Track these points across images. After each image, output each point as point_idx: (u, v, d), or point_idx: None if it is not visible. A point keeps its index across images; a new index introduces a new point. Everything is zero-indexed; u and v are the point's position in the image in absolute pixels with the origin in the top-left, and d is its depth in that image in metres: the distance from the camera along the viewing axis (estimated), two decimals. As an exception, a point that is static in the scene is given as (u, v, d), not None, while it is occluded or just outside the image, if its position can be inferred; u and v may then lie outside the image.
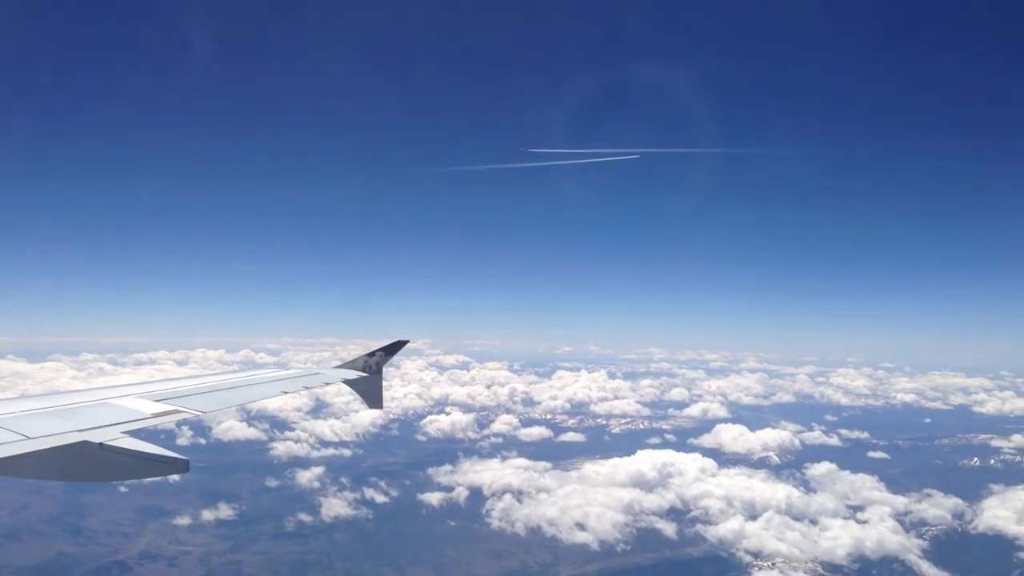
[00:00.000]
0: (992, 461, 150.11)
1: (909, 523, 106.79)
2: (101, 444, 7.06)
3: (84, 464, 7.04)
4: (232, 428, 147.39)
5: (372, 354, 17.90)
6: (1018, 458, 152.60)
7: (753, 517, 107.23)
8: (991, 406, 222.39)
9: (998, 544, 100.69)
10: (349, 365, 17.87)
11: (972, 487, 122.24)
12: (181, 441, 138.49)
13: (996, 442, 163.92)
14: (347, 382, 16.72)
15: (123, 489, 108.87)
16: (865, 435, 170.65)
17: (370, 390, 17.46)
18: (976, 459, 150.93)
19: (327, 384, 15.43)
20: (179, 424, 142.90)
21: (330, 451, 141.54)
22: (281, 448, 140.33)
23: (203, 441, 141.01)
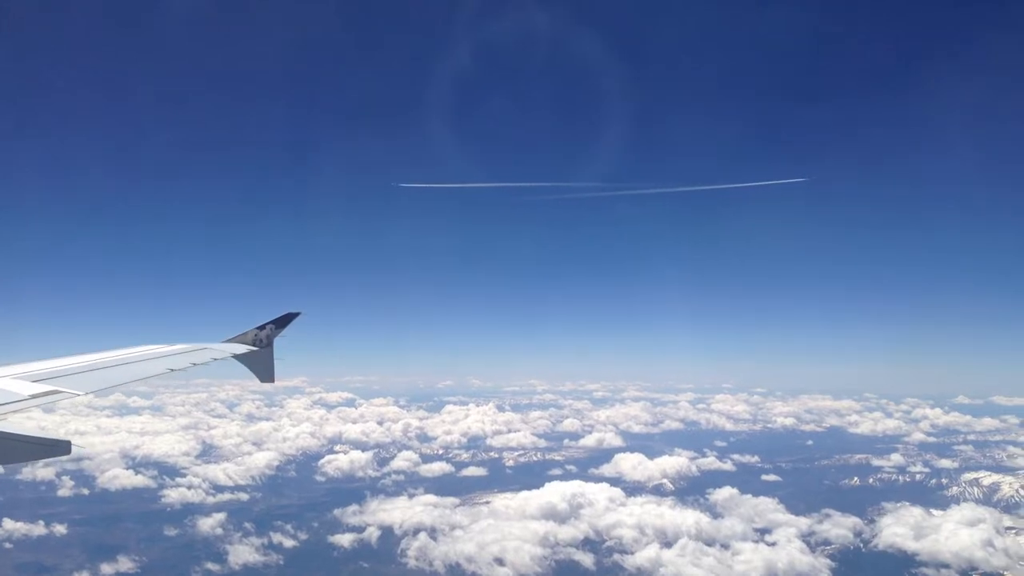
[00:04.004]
0: (871, 480, 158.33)
1: (814, 543, 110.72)
2: None
3: None
4: (118, 476, 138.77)
5: (262, 327, 17.49)
6: (895, 476, 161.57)
7: (667, 544, 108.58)
8: (864, 427, 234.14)
9: (898, 560, 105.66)
10: (239, 339, 17.46)
11: (858, 505, 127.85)
12: (62, 492, 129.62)
13: (876, 461, 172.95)
14: (237, 357, 16.53)
15: (7, 545, 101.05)
16: (756, 459, 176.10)
17: (261, 364, 17.36)
18: (856, 479, 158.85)
19: (216, 359, 15.21)
20: (58, 474, 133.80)
21: (226, 496, 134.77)
22: (174, 495, 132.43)
23: (86, 491, 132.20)
